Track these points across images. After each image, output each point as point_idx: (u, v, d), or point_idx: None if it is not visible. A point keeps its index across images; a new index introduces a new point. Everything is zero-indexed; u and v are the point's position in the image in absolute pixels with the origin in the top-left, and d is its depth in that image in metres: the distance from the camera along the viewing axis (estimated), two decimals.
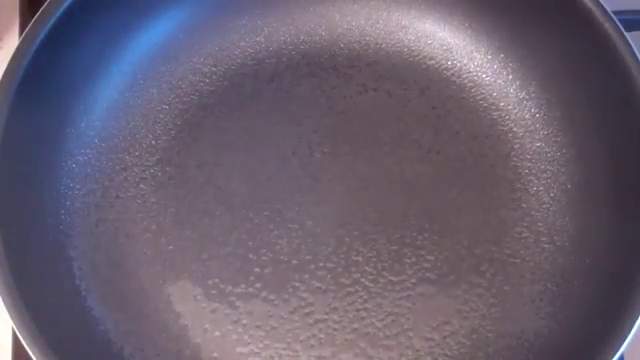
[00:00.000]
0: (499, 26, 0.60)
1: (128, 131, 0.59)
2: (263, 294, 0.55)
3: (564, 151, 0.58)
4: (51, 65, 0.54)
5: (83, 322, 0.53)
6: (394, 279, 0.55)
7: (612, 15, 0.54)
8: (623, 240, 0.53)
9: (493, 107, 0.60)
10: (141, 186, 0.58)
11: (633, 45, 0.54)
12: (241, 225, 0.57)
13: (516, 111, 0.60)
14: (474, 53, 0.61)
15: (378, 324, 0.54)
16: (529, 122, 0.60)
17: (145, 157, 0.59)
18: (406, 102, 0.60)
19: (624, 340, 0.48)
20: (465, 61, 0.61)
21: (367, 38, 0.62)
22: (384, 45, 0.62)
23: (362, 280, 0.55)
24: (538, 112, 0.59)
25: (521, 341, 0.54)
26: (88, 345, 0.53)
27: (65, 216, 0.56)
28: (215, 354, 0.54)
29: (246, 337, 0.54)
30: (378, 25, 0.62)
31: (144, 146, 0.59)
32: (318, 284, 0.55)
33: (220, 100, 0.60)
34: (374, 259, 0.56)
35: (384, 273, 0.56)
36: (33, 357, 0.48)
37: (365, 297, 0.55)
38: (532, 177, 0.58)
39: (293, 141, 0.59)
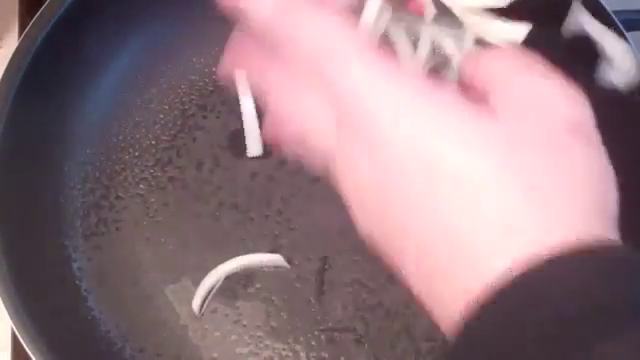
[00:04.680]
0: None
1: (128, 131, 0.59)
2: (263, 294, 0.55)
3: None
4: (50, 65, 0.54)
5: (83, 322, 0.54)
6: (395, 278, 0.55)
7: (612, 15, 0.54)
8: (623, 240, 0.53)
9: None
10: (141, 186, 0.58)
11: (633, 45, 0.53)
12: (241, 225, 0.57)
13: None
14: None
15: (379, 324, 0.54)
16: None
17: (145, 157, 0.59)
18: None
19: None
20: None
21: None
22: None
23: (363, 279, 0.55)
24: None
25: None
26: (88, 345, 0.53)
27: (65, 216, 0.56)
28: (215, 354, 0.54)
29: (246, 337, 0.54)
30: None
31: (144, 146, 0.59)
32: (318, 283, 0.55)
33: (220, 100, 0.60)
34: (375, 258, 0.56)
35: (385, 272, 0.56)
36: (32, 357, 0.48)
37: (365, 296, 0.55)
38: None
39: None
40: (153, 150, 0.59)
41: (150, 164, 0.58)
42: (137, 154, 0.59)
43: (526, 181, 0.30)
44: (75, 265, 0.55)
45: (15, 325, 0.48)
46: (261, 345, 0.54)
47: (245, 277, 0.55)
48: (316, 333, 0.54)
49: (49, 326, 0.49)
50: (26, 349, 0.48)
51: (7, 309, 0.48)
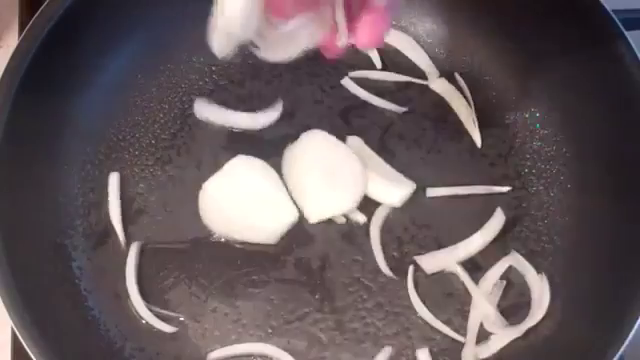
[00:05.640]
0: (499, 27, 0.60)
1: (128, 130, 0.59)
2: (263, 294, 0.55)
3: (564, 151, 0.58)
4: (50, 65, 0.54)
5: (83, 322, 0.54)
6: (394, 278, 0.55)
7: (612, 14, 0.54)
8: (623, 240, 0.53)
9: (493, 107, 0.60)
10: (141, 185, 0.58)
11: (633, 45, 0.53)
12: None
13: (516, 111, 0.60)
14: (475, 53, 0.61)
15: (378, 323, 0.54)
16: (529, 122, 0.59)
17: (145, 156, 0.59)
18: (406, 102, 0.60)
19: (624, 340, 0.48)
20: (466, 61, 0.61)
21: None
22: (384, 45, 0.62)
23: (362, 279, 0.55)
24: (538, 112, 0.59)
25: (521, 341, 0.54)
26: (88, 344, 0.53)
27: (65, 215, 0.56)
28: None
29: (246, 337, 0.54)
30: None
31: (144, 145, 0.59)
32: (318, 283, 0.55)
33: (220, 100, 0.60)
34: (374, 258, 0.56)
35: (384, 272, 0.56)
36: (32, 357, 0.48)
37: (365, 296, 0.55)
38: (532, 177, 0.58)
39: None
40: (153, 149, 0.59)
41: (150, 163, 0.58)
42: (137, 153, 0.59)
43: None
44: (75, 265, 0.55)
45: (15, 325, 0.48)
46: (261, 344, 0.54)
47: (245, 277, 0.55)
48: (316, 333, 0.54)
49: (49, 326, 0.49)
50: (26, 349, 0.48)
51: (7, 309, 0.48)
